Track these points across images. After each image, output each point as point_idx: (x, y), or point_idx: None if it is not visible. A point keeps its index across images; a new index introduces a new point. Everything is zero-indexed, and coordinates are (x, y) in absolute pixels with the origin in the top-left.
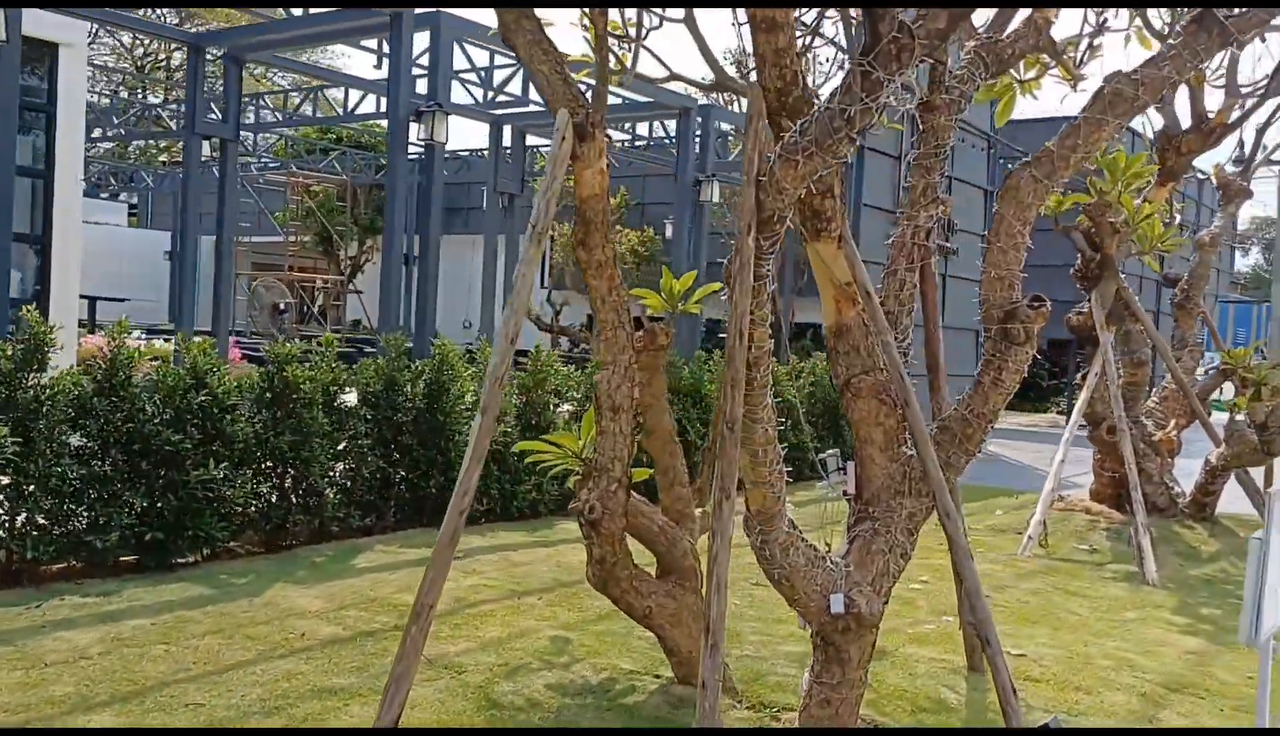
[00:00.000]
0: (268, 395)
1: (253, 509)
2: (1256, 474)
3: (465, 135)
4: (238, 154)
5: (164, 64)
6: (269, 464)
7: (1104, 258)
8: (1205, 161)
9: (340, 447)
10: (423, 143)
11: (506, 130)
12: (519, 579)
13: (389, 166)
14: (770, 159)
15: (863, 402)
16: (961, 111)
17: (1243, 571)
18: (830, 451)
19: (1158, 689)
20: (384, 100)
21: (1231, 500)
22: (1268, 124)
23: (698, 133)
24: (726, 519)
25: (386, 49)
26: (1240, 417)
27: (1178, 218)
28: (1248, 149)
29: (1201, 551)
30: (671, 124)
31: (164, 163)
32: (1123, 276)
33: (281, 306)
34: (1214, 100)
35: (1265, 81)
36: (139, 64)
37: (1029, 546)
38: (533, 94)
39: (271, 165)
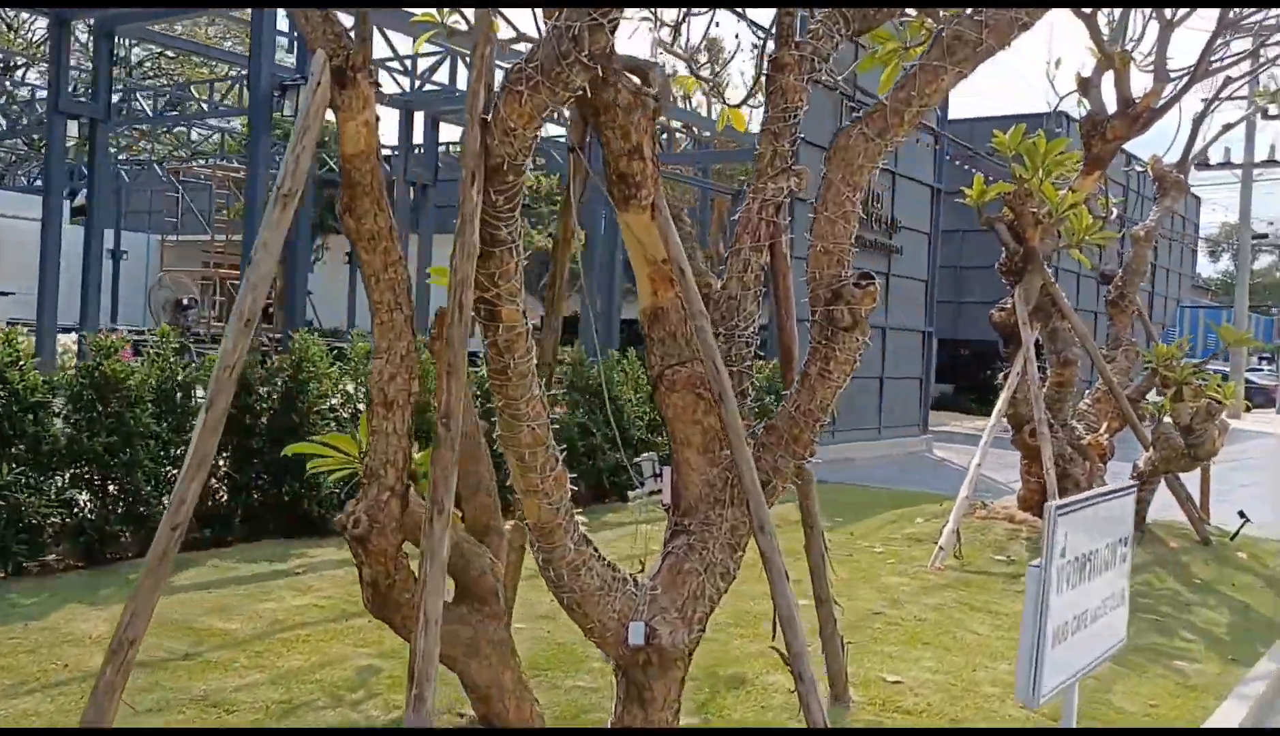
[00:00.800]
0: (86, 393)
1: (66, 519)
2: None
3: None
4: (108, 137)
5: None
6: (85, 469)
7: (1027, 250)
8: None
9: (178, 452)
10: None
11: (419, 118)
12: (357, 597)
13: (250, 148)
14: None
15: (678, 397)
16: (816, 71)
17: (1166, 585)
18: (646, 455)
19: (1045, 720)
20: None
21: (1167, 506)
22: (1204, 113)
23: None
24: (438, 537)
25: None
26: (1167, 420)
27: (1114, 211)
28: (1199, 143)
29: None
30: None
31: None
32: (1050, 271)
33: (185, 302)
34: (1146, 84)
35: (1195, 65)
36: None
37: (940, 557)
38: (460, 82)
39: (213, 160)
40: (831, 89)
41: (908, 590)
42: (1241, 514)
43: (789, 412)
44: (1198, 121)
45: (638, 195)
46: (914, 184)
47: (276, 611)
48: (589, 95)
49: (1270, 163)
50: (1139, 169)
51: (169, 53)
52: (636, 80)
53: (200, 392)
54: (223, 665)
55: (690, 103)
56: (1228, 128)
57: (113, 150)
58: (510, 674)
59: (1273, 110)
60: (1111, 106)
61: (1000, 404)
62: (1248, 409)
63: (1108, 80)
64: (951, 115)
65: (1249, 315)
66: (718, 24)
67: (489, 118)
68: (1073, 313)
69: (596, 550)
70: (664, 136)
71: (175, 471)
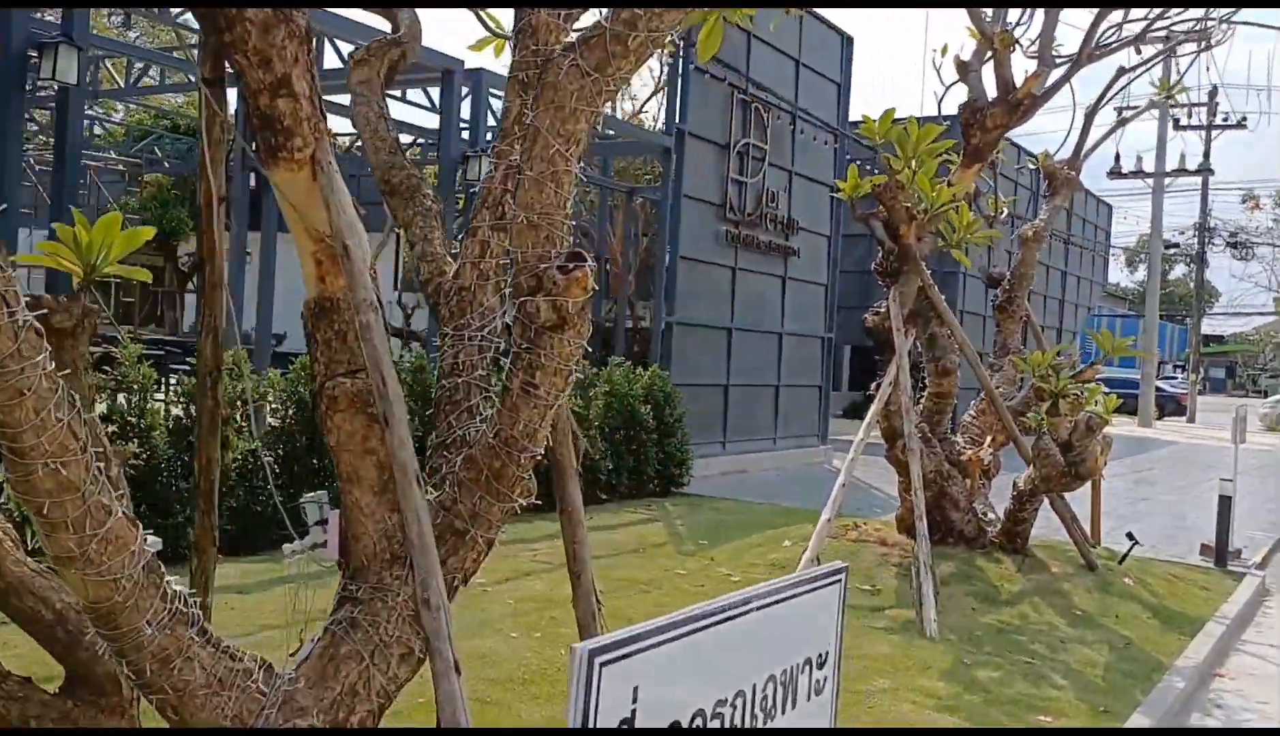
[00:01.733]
0: None
1: None
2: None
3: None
4: None
5: None
6: None
7: (902, 249)
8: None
9: None
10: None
11: None
12: None
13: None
14: None
15: (343, 418)
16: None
17: (1042, 619)
18: (312, 495)
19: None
20: None
21: (1055, 526)
22: (1096, 106)
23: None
24: None
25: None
26: (1047, 436)
27: (1004, 210)
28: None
29: (1002, 591)
30: None
31: None
32: (928, 270)
33: None
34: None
35: (1079, 49)
36: None
37: None
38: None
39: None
40: (719, 80)
41: None
42: (1130, 536)
43: (488, 442)
44: (1090, 114)
45: (288, 145)
46: (813, 184)
47: None
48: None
49: (1181, 172)
50: (1031, 167)
51: None
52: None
53: None
54: None
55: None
56: (1123, 122)
57: None
58: None
59: (1182, 118)
60: (993, 93)
61: (870, 416)
62: (1159, 417)
63: (990, 68)
64: (857, 114)
65: (1161, 323)
66: None
67: None
68: (952, 317)
69: (204, 630)
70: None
71: None
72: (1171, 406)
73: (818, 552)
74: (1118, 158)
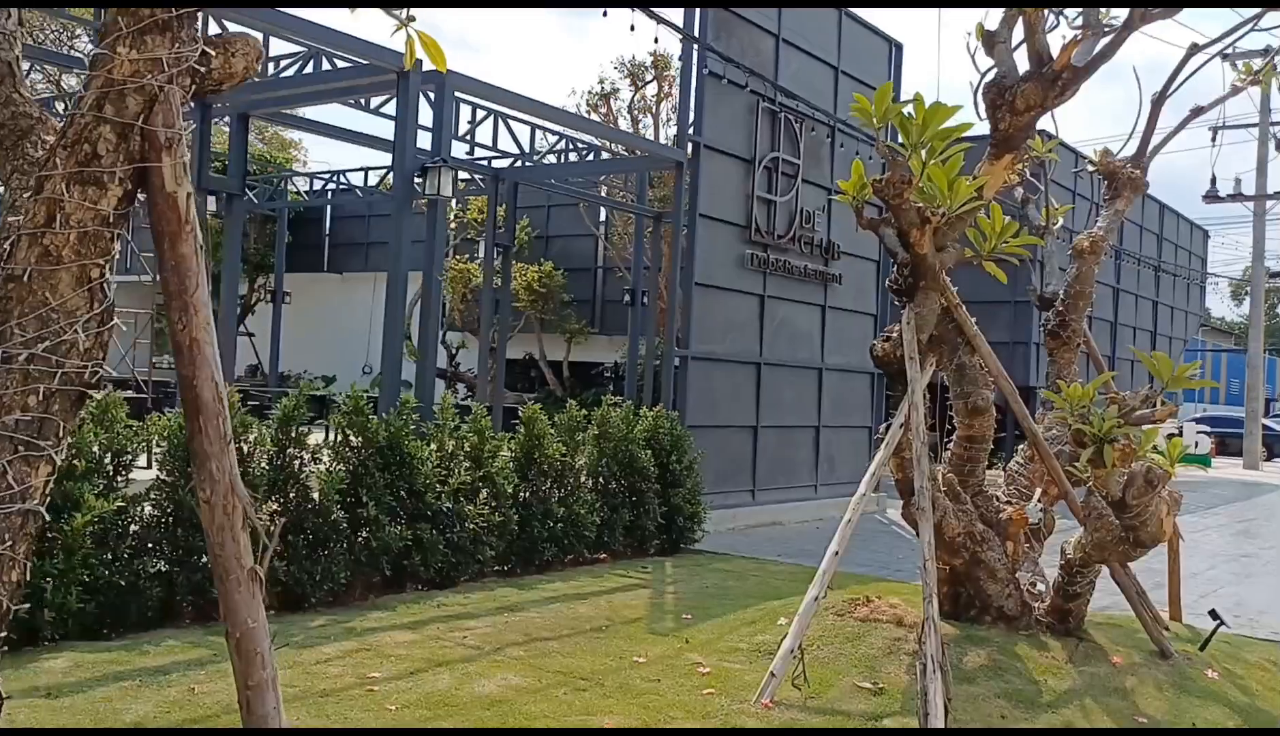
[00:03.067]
0: None
1: None
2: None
3: (346, 158)
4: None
5: None
6: None
7: (915, 260)
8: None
9: None
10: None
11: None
12: None
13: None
14: None
15: None
16: None
17: (1096, 724)
18: None
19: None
20: None
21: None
22: (1165, 92)
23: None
24: None
25: None
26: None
27: (1059, 220)
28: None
29: (1045, 690)
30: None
31: None
32: (952, 287)
33: None
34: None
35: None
36: None
37: (772, 688)
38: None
39: None
40: (740, 87)
41: None
42: (1214, 614)
43: None
44: (1157, 102)
45: None
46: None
47: None
48: None
49: None
50: (1090, 168)
51: None
52: None
53: None
54: None
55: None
56: (1198, 111)
57: None
58: None
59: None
60: (1025, 67)
61: (873, 465)
62: (1267, 458)
63: (1017, 33)
64: None
65: (1270, 359)
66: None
67: None
68: (984, 343)
69: None
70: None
71: None
72: None
73: (799, 642)
74: (1214, 180)
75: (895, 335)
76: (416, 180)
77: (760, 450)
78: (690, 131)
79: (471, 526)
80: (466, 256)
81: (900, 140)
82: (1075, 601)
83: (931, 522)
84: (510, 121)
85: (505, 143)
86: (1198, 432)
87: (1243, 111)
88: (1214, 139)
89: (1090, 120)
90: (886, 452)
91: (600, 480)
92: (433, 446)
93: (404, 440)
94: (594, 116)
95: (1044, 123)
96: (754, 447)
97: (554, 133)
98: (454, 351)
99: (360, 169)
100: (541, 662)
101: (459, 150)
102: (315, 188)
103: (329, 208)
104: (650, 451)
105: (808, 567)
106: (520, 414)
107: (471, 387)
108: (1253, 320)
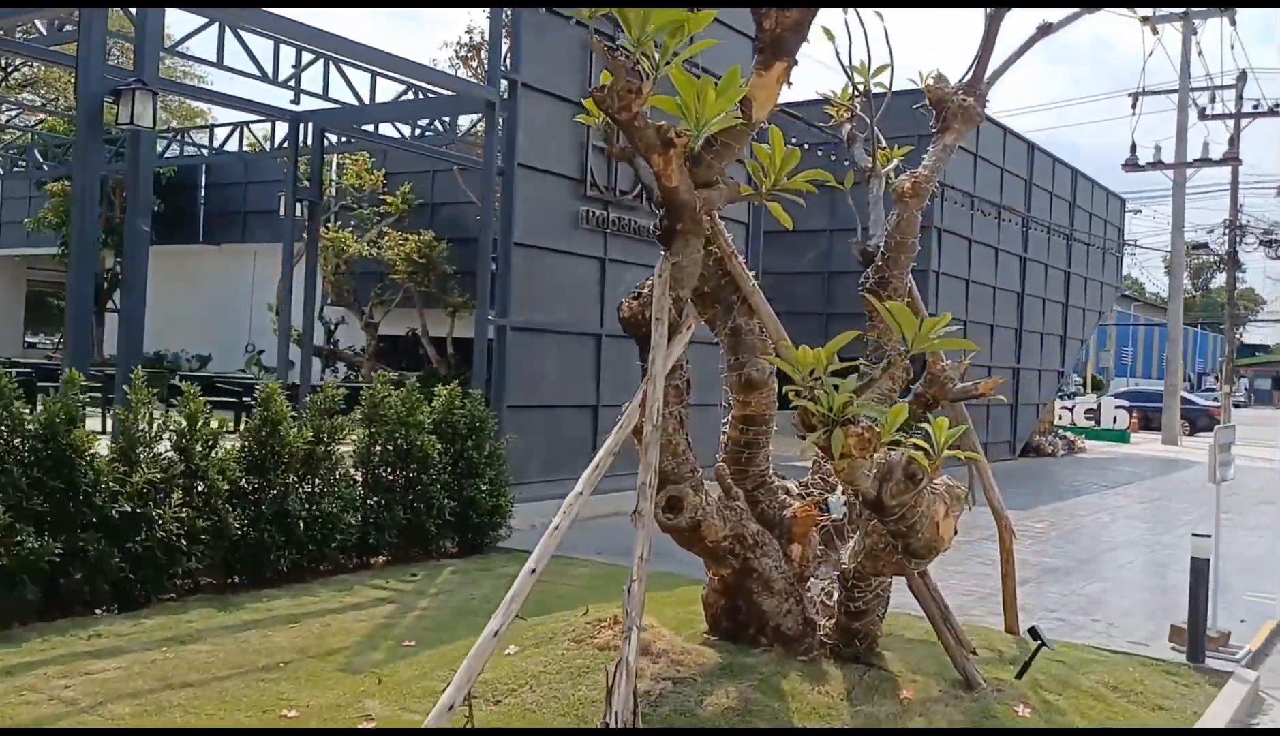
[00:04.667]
0: None
1: None
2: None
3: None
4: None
5: None
6: None
7: (665, 194)
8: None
9: None
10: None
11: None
12: None
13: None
14: None
15: None
16: None
17: None
18: None
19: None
20: None
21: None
22: (1005, 4)
23: None
24: None
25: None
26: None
27: (892, 160)
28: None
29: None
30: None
31: None
32: (728, 234)
33: None
34: None
35: None
36: None
37: None
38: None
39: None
40: (568, 20)
41: None
42: (1034, 633)
43: None
44: (995, 16)
45: None
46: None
47: None
48: None
49: (1204, 162)
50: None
51: None
52: None
53: None
54: None
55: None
56: (1046, 30)
57: None
58: None
59: (1207, 107)
60: None
61: (602, 451)
62: (1189, 433)
63: None
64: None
65: (1200, 332)
66: None
67: None
68: (765, 304)
69: None
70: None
71: None
72: (1204, 421)
73: (469, 689)
74: (1134, 148)
75: (646, 291)
76: (108, 102)
77: (602, 432)
78: (506, 67)
79: (162, 533)
80: (339, 225)
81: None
82: (862, 619)
83: (648, 530)
84: (341, 65)
85: (343, 93)
86: (1116, 407)
87: (1165, 79)
88: (1134, 106)
89: (1029, 99)
90: (617, 439)
91: (373, 472)
92: (104, 440)
93: (61, 431)
94: (464, 70)
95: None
96: (594, 430)
97: (395, 80)
98: (333, 327)
99: (230, 124)
100: (147, 721)
101: (279, 98)
102: (188, 150)
103: (202, 173)
104: (437, 437)
105: (622, 567)
106: (256, 393)
107: (353, 366)
108: (1171, 291)
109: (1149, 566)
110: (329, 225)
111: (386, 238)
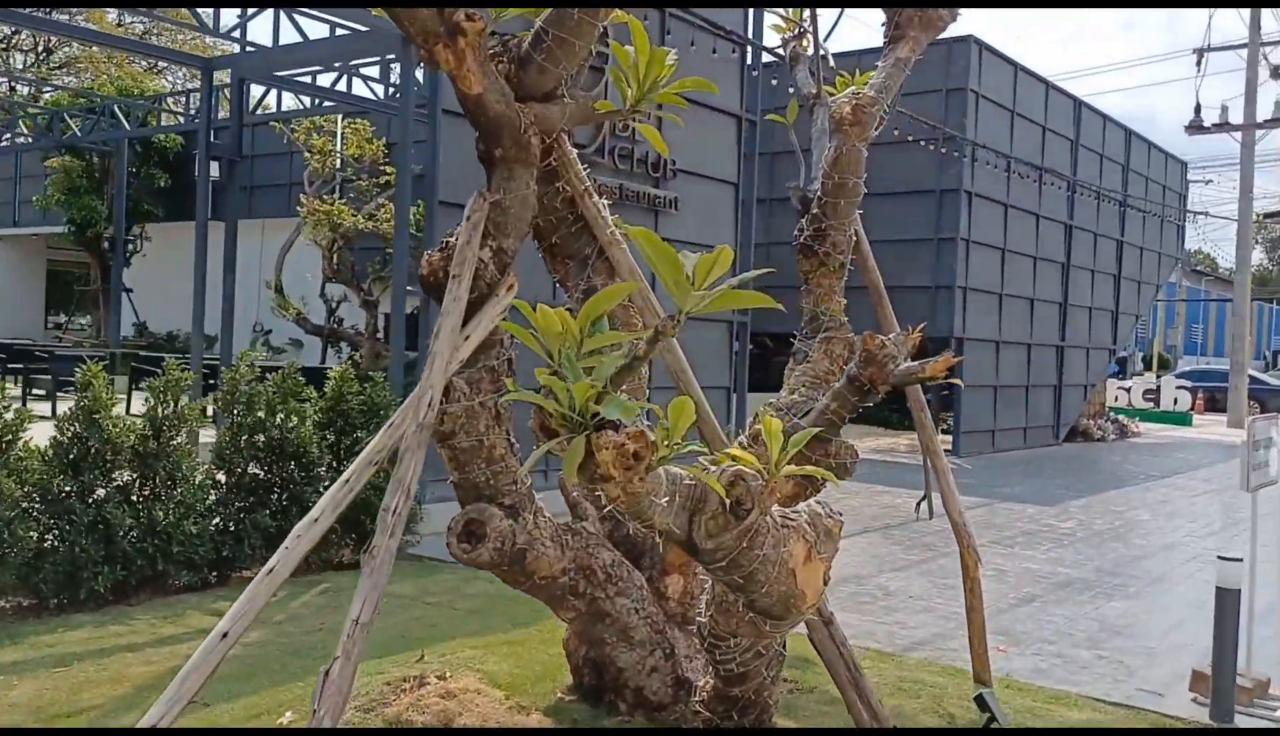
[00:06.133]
0: None
1: None
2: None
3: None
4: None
5: None
6: None
7: (469, 107)
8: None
9: None
10: None
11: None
12: None
13: None
14: None
15: None
16: None
17: None
18: None
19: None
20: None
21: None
22: None
23: None
24: None
25: None
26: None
27: (851, 87)
28: None
29: None
30: None
31: None
32: (579, 165)
33: None
34: None
35: None
36: None
37: None
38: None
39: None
40: None
41: None
42: (981, 702)
43: None
44: None
45: None
46: (706, 112)
47: None
48: None
49: (1276, 122)
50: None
51: None
52: None
53: None
54: None
55: None
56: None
57: None
58: None
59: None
60: None
61: (367, 450)
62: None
63: None
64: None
65: (1253, 304)
66: None
67: None
68: (628, 257)
69: None
70: None
71: None
72: (1276, 403)
73: None
74: (1198, 109)
75: (454, 239)
76: None
77: None
78: None
79: None
80: (337, 197)
81: None
82: (742, 684)
83: (376, 578)
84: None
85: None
86: (1177, 388)
87: (1237, 34)
88: (1199, 63)
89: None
90: (386, 438)
91: (235, 471)
92: None
93: None
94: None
95: None
96: None
97: (318, 19)
98: (334, 306)
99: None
100: None
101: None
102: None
103: (204, 143)
104: (324, 428)
105: None
106: (77, 376)
107: (356, 346)
108: (1239, 261)
109: (1187, 580)
110: (324, 198)
111: (383, 209)
